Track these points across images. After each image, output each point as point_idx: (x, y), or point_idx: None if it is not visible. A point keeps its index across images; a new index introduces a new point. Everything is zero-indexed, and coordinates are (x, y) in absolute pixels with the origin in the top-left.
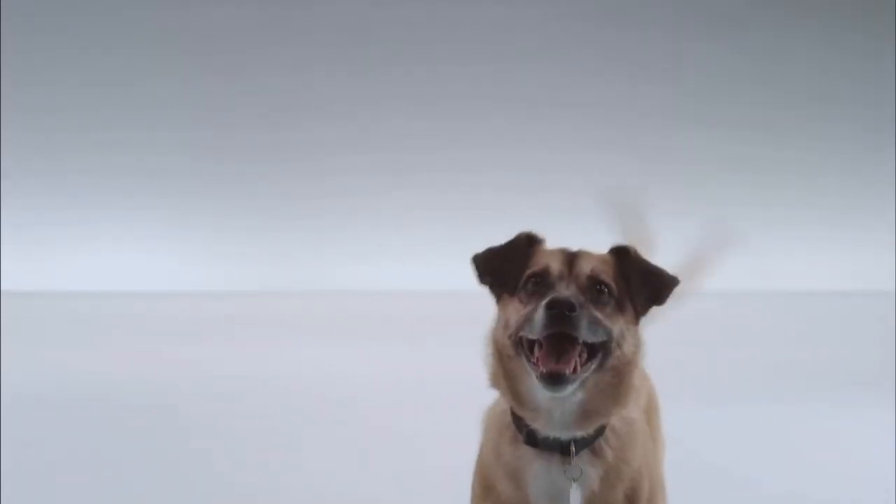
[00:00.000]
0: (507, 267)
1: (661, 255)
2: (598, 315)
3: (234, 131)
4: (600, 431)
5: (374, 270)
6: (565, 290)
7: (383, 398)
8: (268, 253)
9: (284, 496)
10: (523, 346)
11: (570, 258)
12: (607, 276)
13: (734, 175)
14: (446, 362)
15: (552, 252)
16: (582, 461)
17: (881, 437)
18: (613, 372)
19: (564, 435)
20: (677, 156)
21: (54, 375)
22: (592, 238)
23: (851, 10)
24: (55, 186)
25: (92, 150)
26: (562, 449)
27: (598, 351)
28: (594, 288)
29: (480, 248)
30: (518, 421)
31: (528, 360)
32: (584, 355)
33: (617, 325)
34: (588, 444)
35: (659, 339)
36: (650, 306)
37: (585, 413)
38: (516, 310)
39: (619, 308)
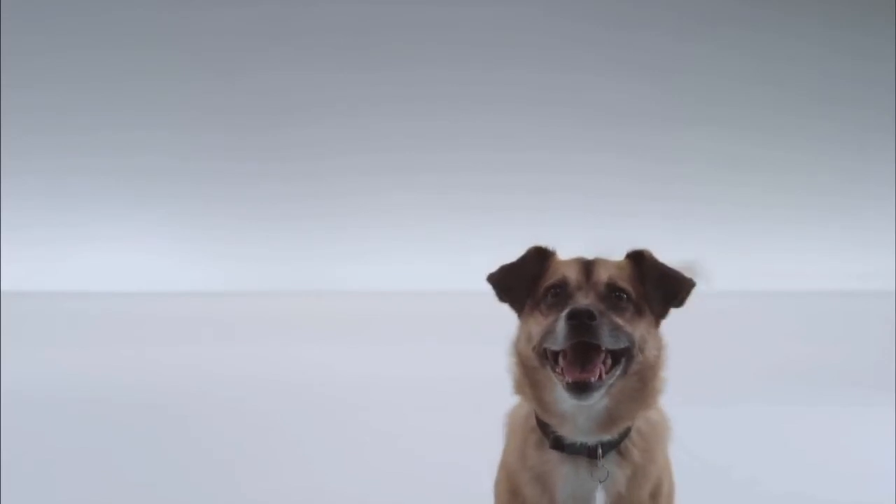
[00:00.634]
0: (522, 282)
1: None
2: (619, 321)
3: (234, 131)
4: (626, 433)
5: (374, 270)
6: (584, 300)
7: (383, 398)
8: (268, 253)
9: (284, 495)
10: (548, 357)
11: (587, 267)
12: (625, 281)
13: (734, 175)
14: (446, 362)
15: (568, 263)
16: (609, 463)
17: (881, 437)
18: (638, 377)
19: (591, 440)
20: (677, 156)
21: (54, 375)
22: (592, 238)
23: (851, 10)
24: (55, 186)
25: (92, 150)
26: (588, 452)
27: (622, 357)
28: (612, 295)
29: (479, 248)
30: (543, 426)
31: (554, 371)
32: (609, 362)
33: (638, 330)
34: (614, 446)
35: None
36: (668, 308)
37: (611, 418)
38: (538, 322)
39: (639, 312)
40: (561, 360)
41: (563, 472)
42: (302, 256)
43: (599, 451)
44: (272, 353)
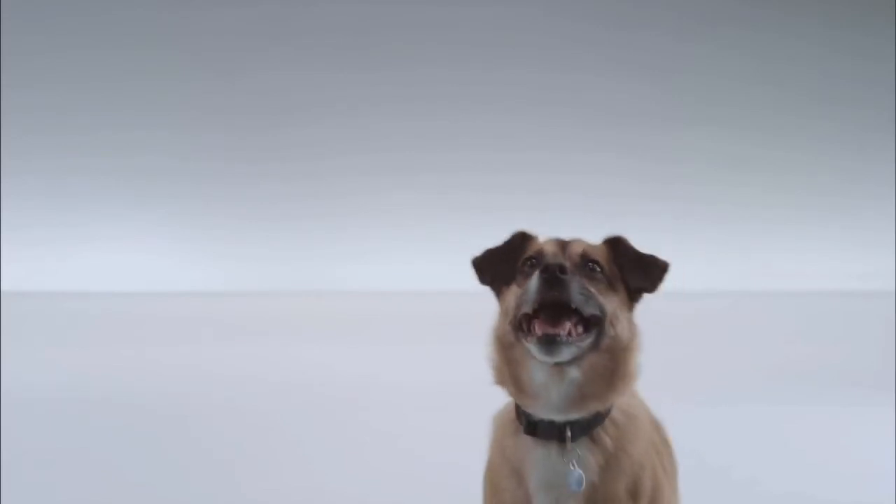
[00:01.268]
0: (505, 263)
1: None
2: (589, 287)
3: (234, 131)
4: (598, 420)
5: (374, 270)
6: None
7: (383, 398)
8: (268, 253)
9: (284, 495)
10: (522, 327)
11: (563, 243)
12: (599, 257)
13: (734, 175)
14: (446, 362)
15: (547, 240)
16: (581, 448)
17: (881, 437)
18: (609, 354)
19: (560, 417)
20: (677, 156)
21: (54, 375)
22: (592, 237)
23: (851, 10)
24: (55, 186)
25: (92, 150)
26: (560, 436)
27: (594, 327)
28: (586, 265)
29: (480, 248)
30: (519, 412)
31: (526, 338)
32: (580, 328)
33: (610, 304)
34: (585, 430)
35: (659, 339)
36: (642, 291)
37: (582, 395)
38: (514, 293)
39: (612, 287)
40: (534, 322)
41: (536, 458)
42: (302, 256)
43: (568, 432)
44: (272, 353)
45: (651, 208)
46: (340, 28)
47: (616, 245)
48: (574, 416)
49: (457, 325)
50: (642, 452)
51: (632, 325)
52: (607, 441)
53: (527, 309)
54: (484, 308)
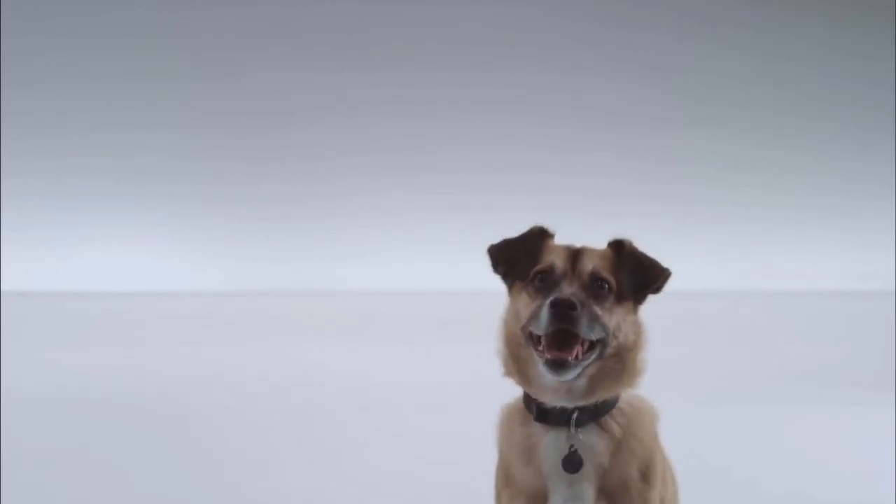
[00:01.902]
0: (520, 257)
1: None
2: (598, 311)
3: (234, 131)
4: (606, 407)
5: (374, 270)
6: (568, 288)
7: (383, 398)
8: (268, 253)
9: (284, 495)
10: (532, 339)
11: (574, 256)
12: (607, 271)
13: (734, 175)
14: (446, 362)
15: (558, 249)
16: (589, 434)
17: (881, 437)
18: (616, 358)
19: (569, 404)
20: (677, 156)
21: (54, 375)
22: (592, 238)
23: (851, 10)
24: (55, 186)
25: (92, 150)
26: (568, 421)
27: (597, 345)
28: (595, 284)
29: (479, 248)
30: (528, 403)
31: (535, 350)
32: (586, 345)
33: (615, 318)
34: (594, 416)
35: (659, 338)
36: (646, 295)
37: (590, 389)
38: (526, 304)
39: (618, 300)
40: (543, 340)
41: (547, 442)
42: (302, 256)
43: (574, 415)
44: (272, 353)
45: (651, 208)
46: (340, 28)
47: (620, 249)
48: (582, 403)
49: (457, 325)
50: (651, 439)
51: (636, 326)
52: (615, 428)
53: (536, 332)
54: (484, 308)
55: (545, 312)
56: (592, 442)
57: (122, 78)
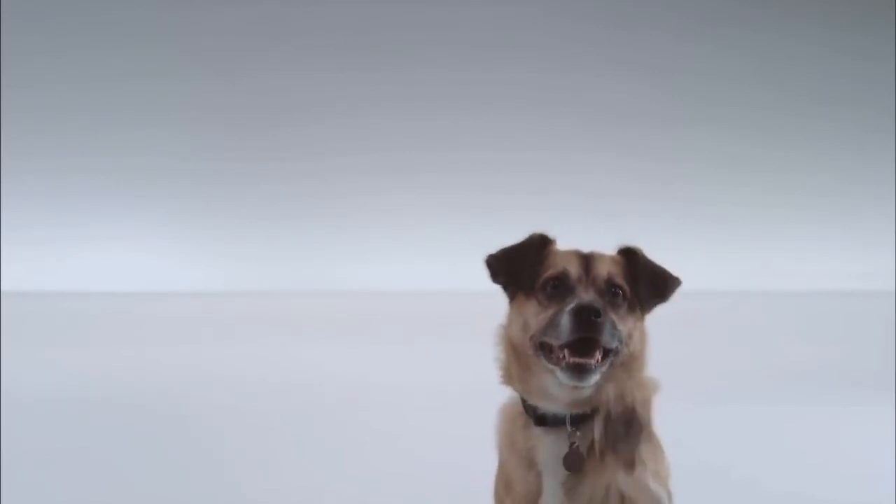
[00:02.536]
0: (521, 266)
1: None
2: (614, 318)
3: (234, 131)
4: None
5: (374, 270)
6: (585, 294)
7: (383, 398)
8: (268, 253)
9: (284, 495)
10: (543, 348)
11: (586, 261)
12: (621, 278)
13: (734, 175)
14: (446, 362)
15: (567, 254)
16: (587, 428)
17: (881, 437)
18: (624, 367)
19: (569, 412)
20: (677, 156)
21: (54, 376)
22: (591, 237)
23: (851, 10)
24: (55, 186)
25: (92, 150)
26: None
27: (611, 353)
28: (610, 291)
29: (479, 248)
30: (527, 405)
31: (548, 359)
32: (602, 351)
33: (627, 326)
34: (591, 416)
35: (659, 338)
36: (655, 304)
37: (591, 399)
38: (535, 312)
39: (630, 308)
40: (558, 349)
41: (546, 443)
42: (302, 256)
43: (567, 417)
44: (272, 353)
45: (651, 208)
46: (340, 28)
47: (631, 257)
48: (581, 410)
49: (457, 325)
50: (649, 417)
51: (642, 335)
52: (622, 375)
53: (555, 342)
54: (484, 308)
55: (566, 320)
56: (585, 432)
57: (122, 78)
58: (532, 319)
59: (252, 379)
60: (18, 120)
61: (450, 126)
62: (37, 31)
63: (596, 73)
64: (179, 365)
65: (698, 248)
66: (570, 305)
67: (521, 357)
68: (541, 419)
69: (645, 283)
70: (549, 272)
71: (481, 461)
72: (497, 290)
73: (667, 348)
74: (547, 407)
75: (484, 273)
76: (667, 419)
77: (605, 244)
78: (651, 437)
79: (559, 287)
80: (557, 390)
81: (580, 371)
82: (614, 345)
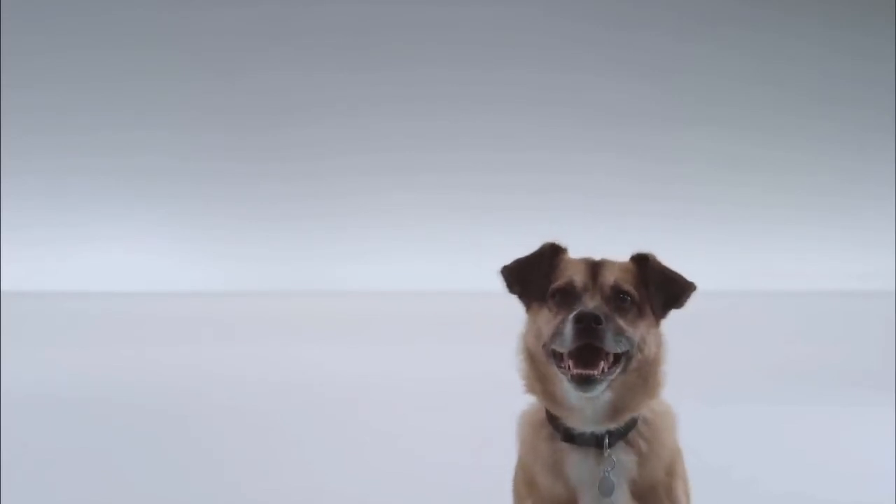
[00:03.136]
0: (534, 276)
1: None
2: (622, 324)
3: (234, 131)
4: (633, 423)
5: (374, 270)
6: (590, 302)
7: (383, 398)
8: (268, 253)
9: (284, 495)
10: (555, 356)
11: (594, 269)
12: (629, 284)
13: (734, 175)
14: (446, 362)
15: (576, 263)
16: (617, 452)
17: (881, 437)
18: (638, 372)
19: (599, 429)
20: (677, 156)
21: (54, 375)
22: (592, 238)
23: (851, 10)
24: (55, 186)
25: (92, 150)
26: (597, 442)
27: (622, 357)
28: (617, 297)
29: (479, 248)
30: (553, 420)
31: (559, 367)
32: (611, 359)
33: (638, 332)
34: (622, 435)
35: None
36: (669, 310)
37: (616, 409)
38: (546, 320)
39: (641, 314)
40: (566, 357)
41: (574, 461)
42: (302, 256)
43: (606, 440)
44: (272, 353)
45: (651, 208)
46: (340, 28)
47: (644, 264)
48: (610, 426)
49: (457, 325)
50: (675, 442)
51: (658, 339)
52: (642, 444)
53: (560, 349)
54: (484, 308)
55: (569, 328)
56: (622, 460)
57: (122, 78)
58: (544, 328)
59: (252, 379)
60: (18, 120)
61: (450, 126)
62: (37, 31)
63: (596, 73)
64: (179, 365)
65: (698, 248)
66: (573, 313)
67: (538, 366)
68: (568, 434)
69: (657, 288)
70: (558, 282)
71: (481, 461)
72: (497, 290)
73: (667, 348)
74: (577, 425)
75: (483, 271)
76: None
77: (605, 244)
78: (679, 460)
79: (567, 296)
80: (576, 399)
81: (584, 381)
82: (620, 349)
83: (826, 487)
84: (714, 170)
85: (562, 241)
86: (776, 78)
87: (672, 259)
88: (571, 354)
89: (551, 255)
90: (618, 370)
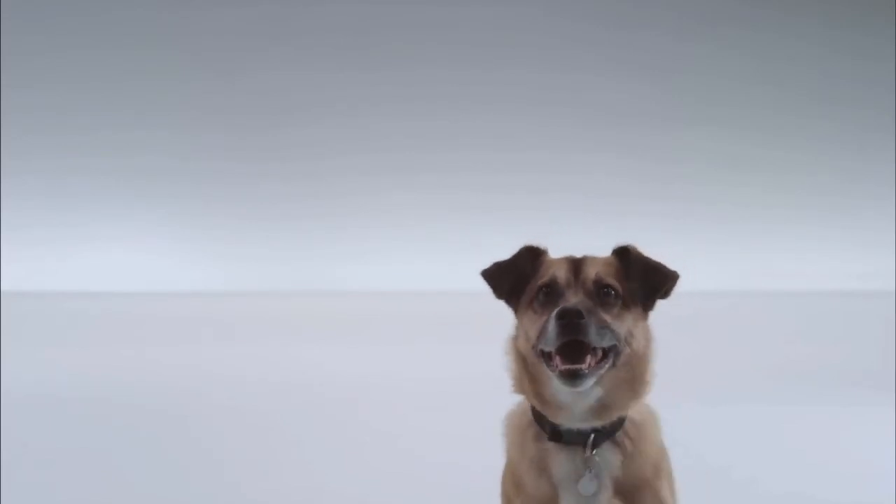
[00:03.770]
0: (515, 280)
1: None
2: (606, 318)
3: (234, 131)
4: (619, 423)
5: (374, 270)
6: (573, 298)
7: (383, 398)
8: (268, 253)
9: (284, 495)
10: (543, 355)
11: (576, 265)
12: (611, 277)
13: (734, 175)
14: (446, 362)
15: (558, 262)
16: (603, 452)
17: (881, 437)
18: (627, 367)
19: (585, 426)
20: (677, 156)
21: (54, 375)
22: (592, 238)
23: (851, 10)
24: (55, 186)
25: (92, 150)
26: (584, 441)
27: (610, 353)
28: (601, 291)
29: (479, 248)
30: (541, 419)
31: (548, 365)
32: (599, 353)
33: (624, 325)
34: (609, 435)
35: (659, 339)
36: (654, 300)
37: (603, 406)
38: (532, 321)
39: (626, 307)
40: (554, 355)
41: (560, 460)
42: (302, 256)
43: (590, 439)
44: (272, 353)
45: (651, 208)
46: (340, 28)
47: (625, 255)
48: (597, 423)
49: (457, 325)
50: (660, 443)
51: (646, 334)
52: (628, 444)
53: (547, 349)
54: (484, 308)
55: (552, 325)
56: (607, 459)
57: (122, 78)
58: (531, 329)
59: (252, 379)
60: (18, 120)
61: (450, 126)
62: (37, 31)
63: (596, 73)
64: (179, 365)
65: (698, 248)
66: (556, 310)
67: (529, 367)
68: (556, 434)
69: (639, 278)
70: (540, 281)
71: (481, 461)
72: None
73: (667, 348)
74: (564, 422)
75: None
76: (667, 419)
77: (605, 244)
78: (664, 459)
79: (550, 294)
80: (566, 396)
81: (572, 377)
82: (605, 343)
83: (826, 487)
84: (714, 170)
85: (541, 242)
86: (776, 78)
87: (672, 259)
88: (559, 351)
89: (531, 257)
90: (607, 365)
